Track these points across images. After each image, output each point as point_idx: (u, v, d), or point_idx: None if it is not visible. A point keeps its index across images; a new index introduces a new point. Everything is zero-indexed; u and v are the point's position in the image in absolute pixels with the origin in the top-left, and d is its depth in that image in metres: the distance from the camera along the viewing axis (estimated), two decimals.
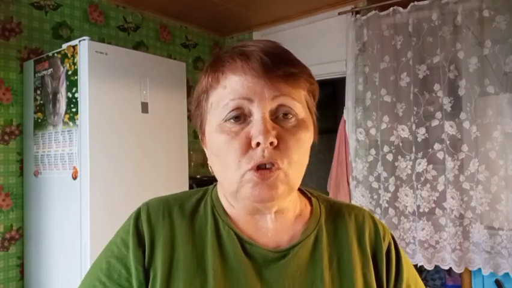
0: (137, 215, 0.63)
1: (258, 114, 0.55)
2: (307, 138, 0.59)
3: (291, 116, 0.57)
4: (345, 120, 2.49)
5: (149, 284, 0.58)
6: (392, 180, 2.30)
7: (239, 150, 0.55)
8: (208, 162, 0.63)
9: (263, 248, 0.60)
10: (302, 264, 0.60)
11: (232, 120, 0.56)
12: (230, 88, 0.57)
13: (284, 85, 0.56)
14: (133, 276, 0.58)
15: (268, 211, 0.61)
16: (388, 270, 0.65)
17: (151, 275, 0.58)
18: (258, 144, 0.54)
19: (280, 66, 0.56)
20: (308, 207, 0.68)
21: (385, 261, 0.65)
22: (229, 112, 0.56)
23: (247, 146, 0.55)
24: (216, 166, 0.61)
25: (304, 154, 0.59)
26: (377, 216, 0.73)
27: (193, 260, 0.59)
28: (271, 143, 0.54)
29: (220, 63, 0.59)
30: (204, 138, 0.63)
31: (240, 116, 0.56)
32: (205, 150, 0.64)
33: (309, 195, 0.70)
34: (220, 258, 0.59)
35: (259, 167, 0.55)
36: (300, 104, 0.58)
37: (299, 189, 0.69)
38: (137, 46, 2.70)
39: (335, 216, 0.67)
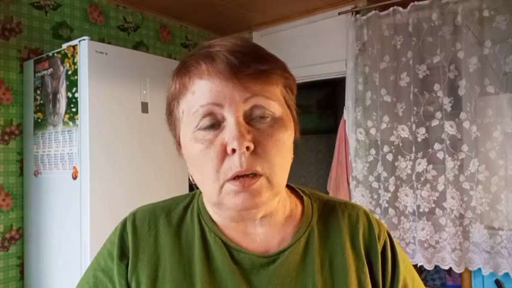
0: (123, 226, 0.62)
1: (230, 118, 0.52)
2: (286, 137, 0.55)
3: (267, 116, 0.54)
4: (345, 120, 2.49)
5: None
6: (392, 180, 2.30)
7: (215, 160, 0.52)
8: (188, 171, 0.61)
9: (251, 254, 0.58)
10: (292, 269, 0.58)
11: (204, 127, 0.53)
12: (199, 94, 0.54)
13: (255, 84, 0.53)
14: None
15: (253, 218, 0.59)
16: (384, 270, 0.62)
17: (132, 287, 0.57)
18: (234, 150, 0.51)
19: (249, 64, 0.52)
20: (299, 207, 0.65)
21: (380, 261, 0.62)
22: (201, 119, 0.53)
23: (224, 154, 0.52)
24: (195, 176, 0.58)
25: (286, 155, 0.56)
26: (374, 214, 0.71)
27: (179, 271, 0.57)
28: (247, 148, 0.51)
29: (186, 68, 0.56)
30: (181, 147, 0.60)
31: (214, 123, 0.53)
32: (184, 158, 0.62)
33: (301, 193, 0.67)
34: (208, 268, 0.57)
35: (239, 176, 0.52)
36: (276, 101, 0.55)
37: (290, 187, 0.67)
38: (137, 46, 2.70)
39: (328, 215, 0.64)
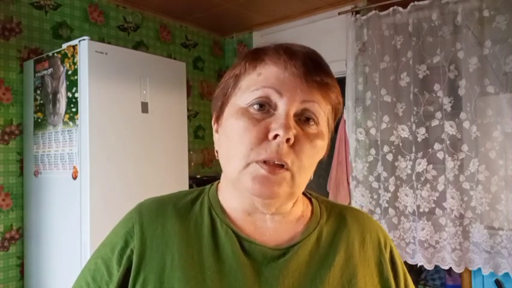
0: (130, 217, 0.63)
1: (283, 109, 0.55)
2: (320, 148, 0.58)
3: (313, 122, 0.57)
4: (345, 120, 2.49)
5: (140, 286, 0.57)
6: (392, 180, 2.30)
7: (254, 138, 0.54)
8: (215, 146, 0.63)
9: (262, 246, 0.59)
10: (302, 263, 0.59)
11: (256, 107, 0.56)
12: (265, 76, 0.57)
13: (317, 92, 0.57)
14: (113, 280, 0.58)
15: (266, 210, 0.60)
16: (395, 272, 0.64)
17: (140, 278, 0.57)
18: (275, 137, 0.53)
19: (319, 73, 0.56)
20: (309, 208, 0.67)
21: (390, 266, 0.64)
22: (256, 98, 0.56)
23: (264, 137, 0.54)
24: (223, 150, 0.60)
25: (313, 163, 0.58)
26: (375, 218, 0.74)
27: (188, 259, 0.58)
28: (288, 140, 0.53)
29: (263, 52, 0.59)
30: (220, 120, 0.62)
31: (265, 105, 0.56)
32: (214, 134, 0.64)
33: (309, 195, 0.70)
34: (218, 258, 0.58)
35: (268, 162, 0.54)
36: (325, 115, 0.59)
37: None
38: (137, 46, 2.70)
39: (336, 217, 0.66)
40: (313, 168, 0.59)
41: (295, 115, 0.56)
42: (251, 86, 0.57)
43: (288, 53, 0.57)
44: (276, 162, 0.54)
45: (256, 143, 0.54)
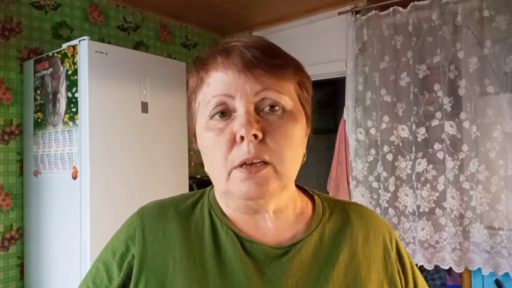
0: (132, 221, 0.63)
1: (240, 109, 0.54)
2: (295, 130, 0.56)
3: (277, 108, 0.55)
4: (345, 120, 2.49)
5: None
6: (392, 180, 2.30)
7: (224, 147, 0.54)
8: (204, 163, 0.63)
9: (264, 245, 0.58)
10: (305, 262, 0.59)
11: (217, 117, 0.56)
12: (212, 85, 0.57)
13: (268, 78, 0.55)
14: (113, 284, 0.59)
15: (263, 210, 0.59)
16: (403, 269, 0.64)
17: (141, 282, 0.57)
18: (242, 138, 0.53)
19: (262, 59, 0.55)
20: (310, 206, 0.66)
21: (396, 260, 0.64)
22: (213, 109, 0.56)
23: (233, 142, 0.54)
24: (207, 166, 0.60)
25: (296, 149, 0.57)
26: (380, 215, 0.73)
27: (190, 263, 0.57)
28: (255, 136, 0.52)
29: (204, 62, 0.59)
30: (195, 140, 0.62)
31: (225, 112, 0.55)
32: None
33: (311, 193, 0.69)
34: (219, 260, 0.58)
35: (247, 164, 0.53)
36: (287, 96, 0.56)
37: (300, 188, 0.68)
38: (137, 46, 2.70)
39: (339, 214, 0.66)
40: (298, 151, 0.58)
41: (257, 108, 0.55)
42: (205, 99, 0.57)
43: (225, 53, 0.57)
44: (254, 161, 0.53)
45: (227, 151, 0.54)
